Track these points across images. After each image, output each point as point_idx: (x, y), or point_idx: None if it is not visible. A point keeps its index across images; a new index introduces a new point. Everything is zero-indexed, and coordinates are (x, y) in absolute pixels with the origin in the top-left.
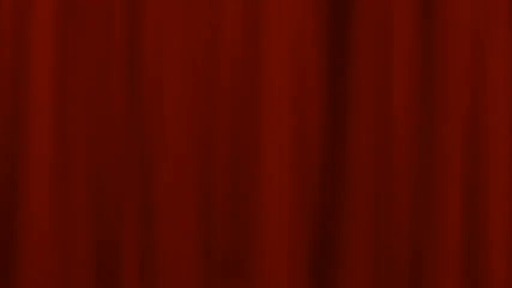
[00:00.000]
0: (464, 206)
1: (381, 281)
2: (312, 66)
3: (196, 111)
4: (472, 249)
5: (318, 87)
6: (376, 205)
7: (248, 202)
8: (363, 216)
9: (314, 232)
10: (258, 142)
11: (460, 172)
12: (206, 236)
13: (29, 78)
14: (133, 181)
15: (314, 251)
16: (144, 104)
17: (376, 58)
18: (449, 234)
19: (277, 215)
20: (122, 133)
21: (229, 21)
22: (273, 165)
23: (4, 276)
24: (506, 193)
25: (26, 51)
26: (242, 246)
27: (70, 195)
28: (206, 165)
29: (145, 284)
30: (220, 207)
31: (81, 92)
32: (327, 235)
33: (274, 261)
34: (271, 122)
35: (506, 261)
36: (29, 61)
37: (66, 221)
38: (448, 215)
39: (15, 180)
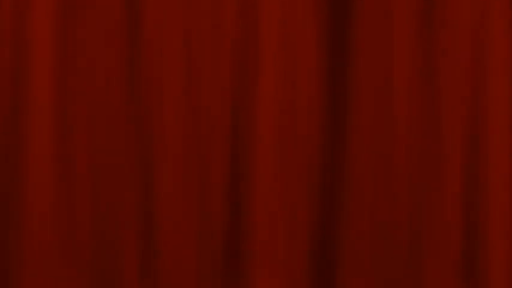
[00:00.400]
0: (465, 206)
1: (381, 281)
2: (312, 66)
3: (195, 112)
4: (472, 249)
5: (318, 87)
6: (375, 205)
7: (247, 202)
8: (362, 216)
9: (314, 232)
10: (257, 142)
11: (460, 172)
12: (206, 236)
13: (29, 78)
14: (134, 181)
15: (314, 251)
16: (144, 104)
17: (376, 58)
18: (449, 234)
19: (277, 215)
20: (122, 133)
21: (229, 20)
22: (272, 165)
23: (5, 276)
24: (507, 193)
25: (26, 51)
26: (241, 246)
27: (70, 195)
28: (205, 166)
29: (145, 284)
30: (220, 208)
31: (81, 92)
32: (326, 235)
33: (274, 262)
34: (270, 121)
35: (507, 261)
36: (29, 61)
37: (67, 220)
38: (448, 214)
39: (16, 180)
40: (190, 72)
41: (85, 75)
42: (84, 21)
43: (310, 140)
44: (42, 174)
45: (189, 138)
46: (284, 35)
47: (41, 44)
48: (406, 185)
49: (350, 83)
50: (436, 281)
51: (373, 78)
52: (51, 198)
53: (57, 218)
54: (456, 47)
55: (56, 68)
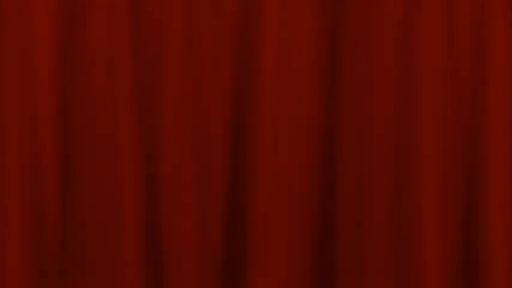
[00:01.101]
0: (465, 206)
1: (381, 281)
2: (311, 64)
3: (196, 110)
4: (472, 249)
5: (317, 85)
6: (376, 205)
7: (247, 202)
8: (363, 217)
9: (314, 232)
10: (257, 141)
11: (461, 171)
12: (206, 236)
13: (31, 78)
14: (134, 181)
15: (314, 251)
16: (144, 104)
17: (375, 57)
18: (449, 234)
19: (277, 215)
20: (123, 133)
21: (229, 19)
22: (273, 164)
23: (5, 276)
24: (507, 193)
25: (28, 50)
26: (241, 246)
27: (71, 192)
28: (205, 165)
29: (146, 283)
30: (220, 207)
31: (82, 92)
32: (326, 235)
33: (274, 261)
34: (270, 120)
35: (507, 261)
36: (31, 60)
37: (68, 217)
38: (448, 214)
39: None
40: (190, 70)
41: (85, 73)
42: (84, 21)
43: (310, 138)
44: (43, 170)
45: (189, 137)
46: (284, 33)
47: (42, 42)
48: (406, 185)
49: (349, 82)
50: (436, 281)
51: (373, 76)
52: (52, 191)
53: (57, 214)
54: (456, 47)
55: (56, 68)
